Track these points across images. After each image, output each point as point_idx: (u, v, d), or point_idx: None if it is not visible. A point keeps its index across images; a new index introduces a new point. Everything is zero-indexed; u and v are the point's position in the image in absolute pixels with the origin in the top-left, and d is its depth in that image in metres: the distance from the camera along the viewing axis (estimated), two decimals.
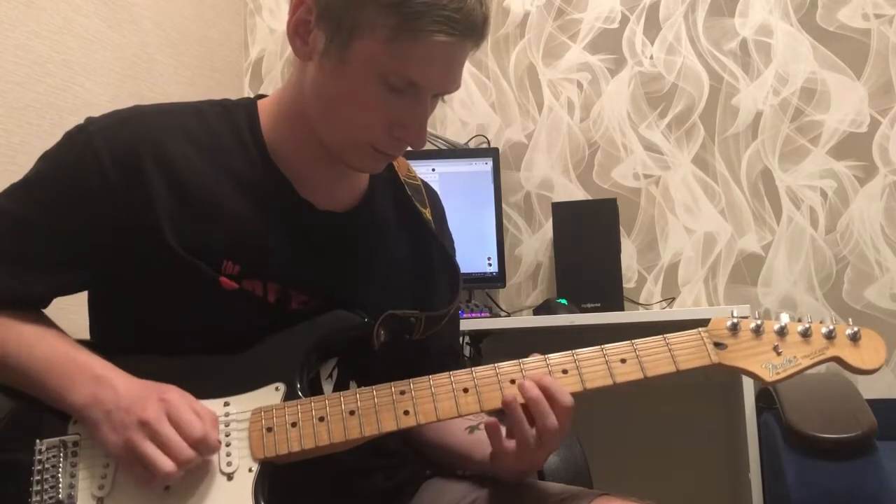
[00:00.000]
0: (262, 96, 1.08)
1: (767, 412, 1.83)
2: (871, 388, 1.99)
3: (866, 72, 2.30)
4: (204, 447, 0.88)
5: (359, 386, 0.99)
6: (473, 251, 2.28)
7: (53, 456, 0.91)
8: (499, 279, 2.32)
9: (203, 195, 0.97)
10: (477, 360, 2.25)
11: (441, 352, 1.14)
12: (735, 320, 0.98)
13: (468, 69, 2.53)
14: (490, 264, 2.30)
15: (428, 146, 2.33)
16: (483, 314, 2.26)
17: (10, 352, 0.95)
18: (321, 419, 0.92)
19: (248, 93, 2.76)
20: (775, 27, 2.38)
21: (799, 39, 2.35)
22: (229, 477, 0.91)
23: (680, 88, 2.43)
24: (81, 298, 1.05)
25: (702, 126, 2.41)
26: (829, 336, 0.97)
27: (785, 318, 0.98)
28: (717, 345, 0.97)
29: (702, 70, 2.42)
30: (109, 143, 0.96)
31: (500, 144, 2.52)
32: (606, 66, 2.49)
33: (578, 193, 2.47)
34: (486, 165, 2.34)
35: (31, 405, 0.94)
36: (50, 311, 1.04)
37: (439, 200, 1.22)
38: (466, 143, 2.50)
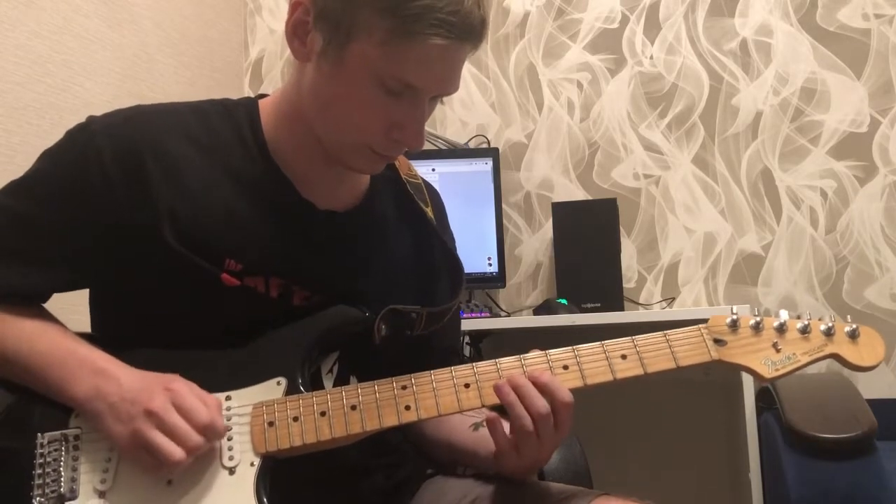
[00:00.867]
0: (263, 96, 1.08)
1: (767, 412, 1.83)
2: (871, 388, 1.99)
3: (866, 72, 2.30)
4: (211, 433, 0.88)
5: (359, 382, 0.99)
6: (473, 251, 2.28)
7: (55, 449, 0.91)
8: (499, 279, 2.32)
9: (204, 194, 0.97)
10: (477, 360, 2.24)
11: (442, 350, 1.14)
12: (735, 317, 0.98)
13: (468, 69, 2.53)
14: (490, 264, 2.30)
15: (428, 146, 2.34)
16: (483, 314, 2.26)
17: (10, 346, 0.95)
18: (323, 414, 0.93)
19: (247, 93, 2.76)
20: (775, 27, 2.38)
21: (799, 39, 2.35)
22: (231, 471, 0.91)
23: (680, 88, 2.43)
24: (82, 295, 1.05)
25: (702, 126, 2.41)
26: (828, 333, 0.98)
27: (784, 316, 0.99)
28: (717, 341, 0.98)
29: (702, 70, 2.42)
30: (111, 141, 0.96)
31: (500, 144, 2.52)
32: (606, 66, 2.49)
33: (578, 193, 2.47)
34: (486, 165, 2.34)
35: (33, 399, 0.95)
36: (51, 309, 1.04)
37: (440, 199, 1.22)
38: (466, 143, 2.50)
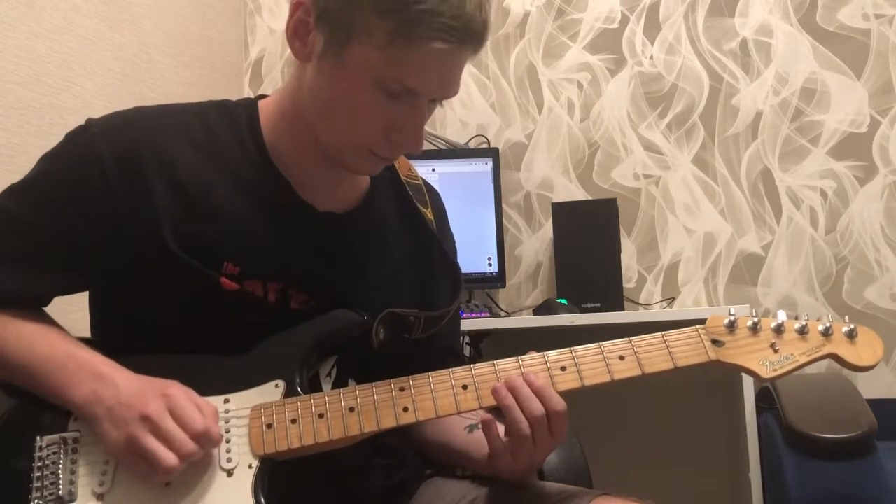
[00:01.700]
0: (262, 96, 1.08)
1: (767, 412, 1.83)
2: (871, 388, 1.99)
3: (866, 72, 2.30)
4: (206, 440, 0.88)
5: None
6: (473, 251, 2.28)
7: (54, 452, 0.92)
8: (499, 279, 2.32)
9: (203, 197, 0.97)
10: (476, 360, 2.25)
11: (441, 352, 1.14)
12: (732, 318, 0.99)
13: (468, 69, 2.53)
14: (490, 264, 2.30)
15: (428, 146, 2.34)
16: (483, 314, 2.26)
17: (10, 349, 0.95)
18: (321, 416, 0.93)
19: (248, 93, 2.75)
20: (775, 27, 2.38)
21: (799, 39, 2.35)
22: (229, 473, 0.91)
23: (680, 88, 2.43)
24: (82, 298, 1.05)
25: (702, 126, 2.41)
26: (826, 333, 0.98)
27: (782, 316, 0.99)
28: (715, 342, 0.98)
29: (702, 70, 2.42)
30: (111, 144, 0.96)
31: (500, 144, 2.52)
32: (606, 66, 2.49)
33: (578, 193, 2.47)
34: (486, 165, 2.34)
35: (32, 402, 0.95)
36: (50, 311, 1.04)
37: (441, 200, 1.22)
38: (466, 143, 2.50)
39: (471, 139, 2.53)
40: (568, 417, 0.94)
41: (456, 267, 1.15)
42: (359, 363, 1.03)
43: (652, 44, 2.47)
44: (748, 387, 1.96)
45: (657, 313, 2.28)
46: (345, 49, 0.92)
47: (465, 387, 0.95)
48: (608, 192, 2.44)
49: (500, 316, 2.36)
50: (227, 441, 0.92)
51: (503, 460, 0.95)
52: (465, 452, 1.06)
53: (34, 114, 1.83)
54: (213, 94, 2.58)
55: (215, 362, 0.96)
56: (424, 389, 0.95)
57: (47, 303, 1.03)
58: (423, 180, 1.20)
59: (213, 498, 0.90)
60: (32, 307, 1.01)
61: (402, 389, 0.95)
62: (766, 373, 0.96)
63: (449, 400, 0.95)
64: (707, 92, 2.41)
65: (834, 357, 0.97)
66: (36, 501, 0.89)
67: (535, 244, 2.50)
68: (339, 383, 1.02)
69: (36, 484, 0.90)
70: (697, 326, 0.99)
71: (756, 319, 0.99)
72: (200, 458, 0.89)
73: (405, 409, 0.94)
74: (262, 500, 0.90)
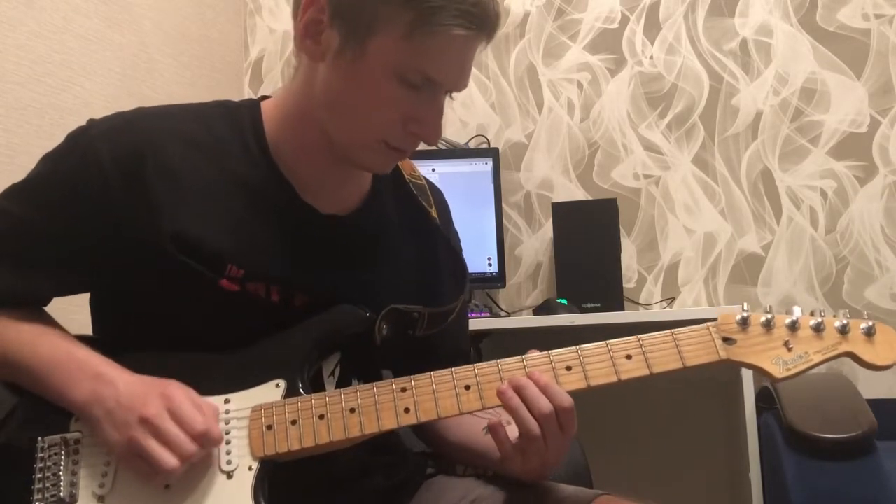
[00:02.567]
0: (265, 97, 1.07)
1: (767, 412, 1.83)
2: (871, 388, 1.99)
3: (866, 72, 2.30)
4: (206, 441, 0.88)
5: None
6: (473, 251, 2.27)
7: (55, 454, 0.91)
8: (499, 279, 2.32)
9: (205, 199, 0.96)
10: (477, 360, 2.25)
11: (449, 353, 1.12)
12: (745, 314, 0.94)
13: None
14: (490, 264, 2.30)
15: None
16: (483, 314, 2.26)
17: (11, 350, 0.95)
18: (321, 417, 0.92)
19: (248, 93, 2.76)
20: (775, 27, 2.38)
21: (799, 39, 2.35)
22: (229, 475, 0.90)
23: (680, 88, 2.43)
24: (83, 298, 1.05)
25: (702, 126, 2.41)
26: (843, 331, 0.93)
27: (797, 313, 0.94)
28: (726, 340, 0.94)
29: (702, 70, 2.42)
30: (111, 146, 0.95)
31: (500, 144, 2.52)
32: (606, 66, 2.49)
33: (578, 193, 2.47)
34: (486, 165, 2.34)
35: (34, 402, 0.95)
36: (51, 311, 1.04)
37: (445, 200, 1.22)
38: (466, 143, 2.50)
39: (471, 139, 2.53)
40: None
41: (461, 261, 1.15)
42: (363, 363, 1.03)
43: (652, 44, 2.47)
44: (748, 387, 1.96)
45: (657, 313, 2.28)
46: (364, 44, 0.92)
47: (467, 387, 0.94)
48: (608, 192, 2.44)
49: (500, 316, 2.36)
50: (227, 443, 0.92)
51: (514, 462, 0.95)
52: (483, 453, 1.05)
53: (34, 114, 1.83)
54: (213, 94, 2.58)
55: (216, 361, 0.96)
56: (426, 390, 0.94)
57: (47, 303, 1.03)
58: (427, 180, 1.19)
59: (212, 500, 0.89)
60: (33, 307, 1.01)
61: (403, 390, 0.94)
62: (779, 372, 0.92)
63: (451, 401, 0.93)
64: (707, 92, 2.41)
65: (851, 356, 0.93)
66: (37, 503, 0.89)
67: (535, 244, 2.50)
68: (342, 383, 1.01)
69: (37, 485, 0.90)
70: (708, 324, 0.95)
71: (770, 316, 0.94)
72: (200, 459, 0.89)
73: (406, 410, 0.93)
74: (262, 502, 0.89)
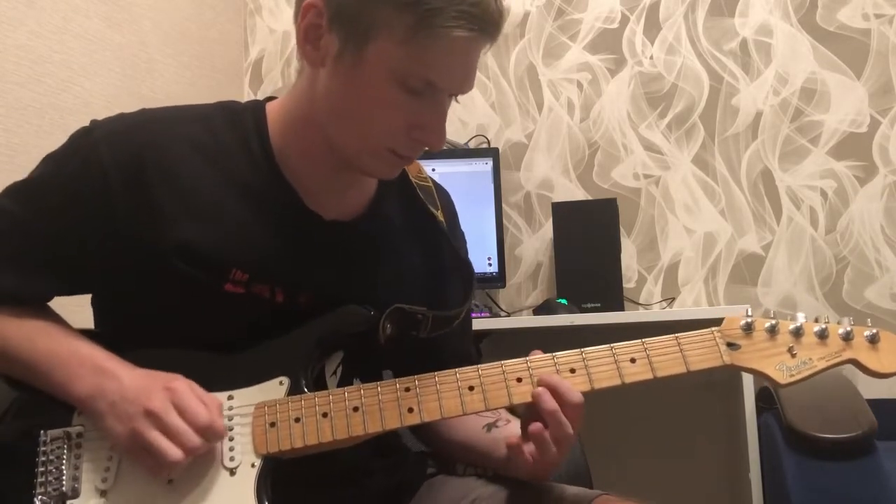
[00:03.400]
0: (270, 98, 1.06)
1: (767, 412, 1.83)
2: (871, 388, 1.99)
3: (866, 72, 2.30)
4: (211, 434, 0.88)
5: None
6: (473, 251, 2.25)
7: (57, 447, 0.92)
8: (499, 279, 2.32)
9: (207, 204, 0.96)
10: (477, 360, 2.25)
11: (452, 356, 1.11)
12: (749, 320, 0.95)
13: None
14: (490, 264, 2.30)
15: None
16: (483, 314, 2.26)
17: (13, 344, 0.95)
18: (325, 415, 0.92)
19: (248, 92, 2.76)
20: (775, 27, 2.38)
21: (799, 39, 2.35)
22: (232, 472, 0.91)
23: (680, 88, 2.43)
24: (83, 295, 1.05)
25: (702, 126, 2.41)
26: (847, 338, 0.94)
27: (801, 319, 0.95)
28: (730, 345, 0.95)
29: (702, 70, 2.42)
30: (113, 149, 0.95)
31: (500, 144, 2.52)
32: (606, 66, 2.49)
33: (578, 193, 2.47)
34: (486, 165, 2.34)
35: (37, 396, 0.94)
36: (53, 306, 1.03)
37: (451, 201, 1.21)
38: (466, 143, 2.50)
39: (471, 139, 2.53)
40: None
41: (468, 266, 1.14)
42: (366, 363, 1.03)
43: (652, 44, 2.47)
44: (748, 387, 1.96)
45: (657, 313, 2.28)
46: (363, 49, 0.90)
47: (471, 388, 0.94)
48: (608, 192, 2.44)
49: (500, 316, 2.36)
50: (231, 439, 0.92)
51: (524, 466, 0.94)
52: (486, 452, 1.05)
53: (34, 114, 1.83)
54: (213, 93, 2.58)
55: (220, 359, 0.96)
56: (430, 390, 0.94)
57: (49, 300, 1.03)
58: (433, 181, 1.18)
59: (215, 496, 0.89)
60: (35, 304, 1.01)
61: (407, 390, 0.94)
62: (782, 378, 0.93)
63: (455, 401, 0.93)
64: (707, 92, 2.41)
65: (854, 363, 0.93)
66: (40, 497, 0.89)
67: (535, 244, 2.50)
68: (344, 382, 1.01)
69: (40, 479, 0.90)
70: (713, 328, 0.95)
71: (774, 322, 0.95)
72: (204, 454, 0.89)
73: (410, 410, 0.93)
74: (265, 499, 0.89)
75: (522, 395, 0.94)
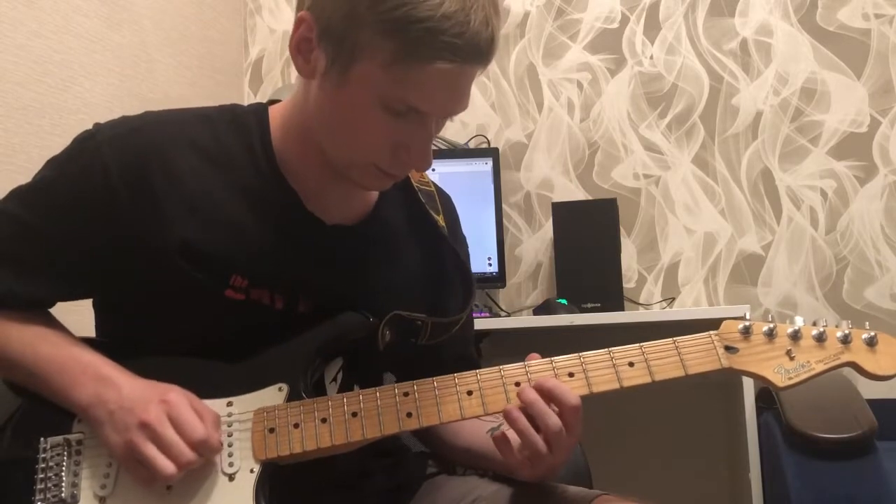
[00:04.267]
0: (274, 101, 1.06)
1: (767, 412, 1.83)
2: (871, 388, 1.98)
3: (866, 72, 2.30)
4: (205, 449, 0.88)
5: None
6: (473, 251, 2.25)
7: (57, 454, 0.92)
8: (499, 279, 2.32)
9: (210, 208, 0.96)
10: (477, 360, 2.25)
11: (453, 360, 1.11)
12: (747, 323, 0.96)
13: None
14: (490, 264, 2.30)
15: None
16: (483, 314, 2.26)
17: (15, 350, 0.95)
18: (324, 420, 0.92)
19: (248, 93, 2.76)
20: (775, 27, 2.38)
21: (799, 39, 2.35)
22: (231, 478, 0.91)
23: (680, 88, 2.43)
24: (82, 302, 1.05)
25: (702, 126, 2.41)
26: (845, 341, 0.94)
27: (799, 322, 0.96)
28: (728, 348, 0.95)
29: (702, 70, 2.42)
30: (117, 153, 0.95)
31: (500, 144, 2.52)
32: (606, 66, 2.49)
33: (578, 193, 2.47)
34: (486, 165, 2.34)
35: (37, 403, 0.95)
36: (53, 311, 1.03)
37: (453, 206, 1.20)
38: (466, 143, 2.50)
39: (471, 139, 2.53)
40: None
41: (469, 273, 1.13)
42: (365, 369, 1.03)
43: (652, 44, 2.47)
44: (748, 387, 1.96)
45: (657, 313, 2.28)
46: (348, 68, 0.89)
47: (469, 392, 0.94)
48: (608, 192, 2.44)
49: (500, 316, 2.36)
50: (230, 445, 0.92)
51: (522, 469, 0.95)
52: (490, 456, 1.04)
53: (34, 114, 1.83)
54: (214, 94, 2.58)
55: (219, 365, 0.96)
56: (429, 395, 0.94)
57: (50, 306, 1.03)
58: (436, 186, 1.18)
59: (214, 502, 0.89)
60: (37, 309, 1.01)
61: (405, 394, 0.94)
62: (781, 381, 0.93)
63: (454, 406, 0.93)
64: (707, 92, 2.41)
65: (853, 365, 0.94)
66: (39, 503, 0.89)
67: (535, 244, 2.50)
68: (344, 388, 1.01)
69: (39, 486, 0.90)
70: (711, 332, 0.96)
71: (772, 325, 0.95)
72: (201, 464, 0.89)
73: (409, 415, 0.93)
74: None
75: None
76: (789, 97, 2.35)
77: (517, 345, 2.17)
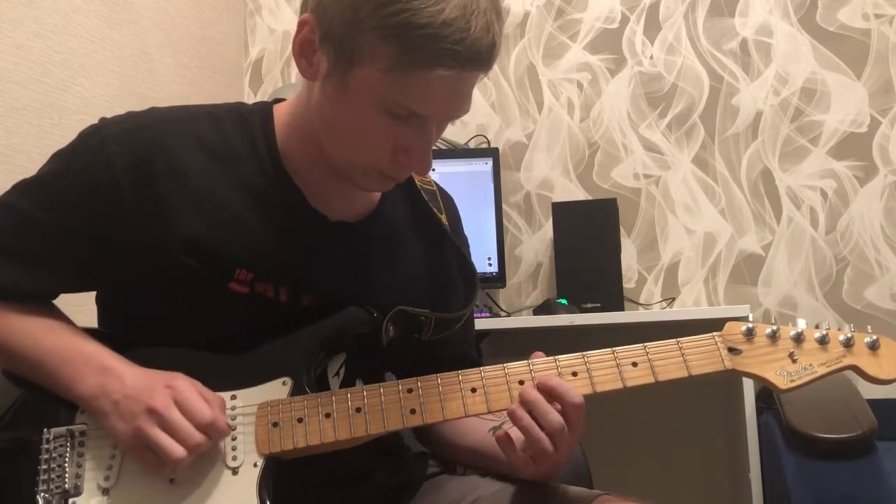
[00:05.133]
0: (279, 100, 1.07)
1: (767, 412, 1.83)
2: (871, 388, 1.98)
3: (866, 72, 2.30)
4: (213, 431, 0.88)
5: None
6: (474, 251, 2.25)
7: (60, 445, 0.92)
8: (499, 279, 2.32)
9: (214, 204, 0.96)
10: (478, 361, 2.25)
11: (454, 359, 1.11)
12: (750, 325, 0.96)
13: None
14: (490, 264, 2.30)
15: None
16: (483, 314, 2.26)
17: (18, 342, 0.96)
18: (328, 415, 0.92)
19: (248, 93, 2.76)
20: (775, 27, 2.38)
21: (799, 39, 2.36)
22: (234, 471, 0.91)
23: (680, 88, 2.43)
24: (86, 293, 1.05)
25: (702, 126, 2.41)
26: (847, 344, 0.94)
27: (802, 325, 0.96)
28: (732, 350, 0.95)
29: (702, 70, 2.42)
30: (122, 148, 0.95)
31: (500, 144, 2.52)
32: (606, 66, 2.49)
33: (578, 193, 2.47)
34: (486, 165, 2.34)
35: (40, 394, 0.95)
36: (57, 304, 1.03)
37: (455, 205, 1.21)
38: (466, 143, 2.50)
39: (471, 139, 2.53)
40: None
41: (472, 268, 1.14)
42: (368, 364, 1.03)
43: (652, 44, 2.47)
44: (748, 387, 1.97)
45: (657, 313, 2.28)
46: (349, 72, 0.90)
47: (473, 390, 0.94)
48: (608, 192, 2.45)
49: (500, 316, 2.36)
50: (234, 439, 0.92)
51: (526, 468, 0.95)
52: (492, 455, 1.04)
53: (34, 114, 1.83)
54: (213, 93, 2.58)
55: (223, 359, 0.96)
56: (432, 391, 0.94)
57: (53, 298, 1.03)
58: (438, 186, 1.19)
59: (217, 496, 0.90)
60: (40, 301, 1.01)
61: (409, 391, 0.94)
62: (783, 384, 0.93)
63: (457, 403, 0.94)
64: (707, 92, 2.41)
65: (855, 369, 0.94)
66: (42, 494, 0.89)
67: (535, 244, 2.50)
68: (346, 383, 1.01)
69: (42, 476, 0.90)
70: (714, 333, 0.96)
71: (775, 327, 0.96)
72: (207, 453, 0.89)
73: (412, 411, 0.93)
74: (267, 499, 0.90)
75: None
76: (789, 97, 2.35)
77: (517, 345, 2.17)
